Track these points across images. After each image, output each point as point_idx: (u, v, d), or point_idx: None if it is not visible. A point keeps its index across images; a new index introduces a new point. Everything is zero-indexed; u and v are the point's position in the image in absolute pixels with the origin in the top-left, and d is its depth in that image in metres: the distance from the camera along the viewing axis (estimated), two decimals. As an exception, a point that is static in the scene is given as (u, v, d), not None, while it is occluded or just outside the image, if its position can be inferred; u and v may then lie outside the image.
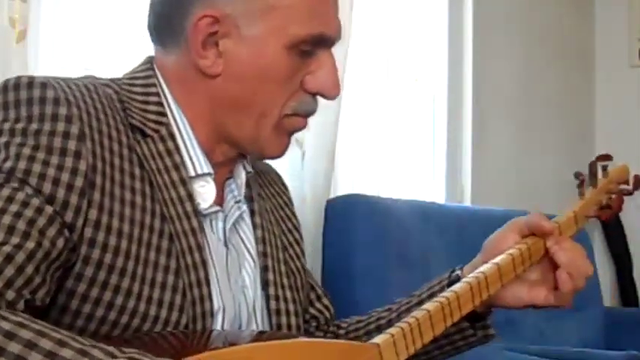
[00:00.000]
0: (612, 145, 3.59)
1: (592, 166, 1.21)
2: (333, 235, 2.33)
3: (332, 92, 1.08)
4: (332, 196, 2.41)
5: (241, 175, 1.13)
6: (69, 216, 0.91)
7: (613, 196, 1.23)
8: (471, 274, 1.08)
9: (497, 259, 1.10)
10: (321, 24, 1.05)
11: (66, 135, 0.94)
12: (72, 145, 0.93)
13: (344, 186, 2.54)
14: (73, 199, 0.92)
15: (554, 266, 1.13)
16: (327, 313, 1.28)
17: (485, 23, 3.14)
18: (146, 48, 1.16)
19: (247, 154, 1.12)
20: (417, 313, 0.98)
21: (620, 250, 3.56)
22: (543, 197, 3.30)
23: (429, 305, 1.00)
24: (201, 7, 1.02)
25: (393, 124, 2.82)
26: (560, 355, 2.22)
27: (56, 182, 0.91)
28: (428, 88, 2.99)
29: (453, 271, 1.20)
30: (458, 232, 2.59)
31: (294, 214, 1.27)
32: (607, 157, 1.25)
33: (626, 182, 1.25)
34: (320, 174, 2.33)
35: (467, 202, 3.06)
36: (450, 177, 3.04)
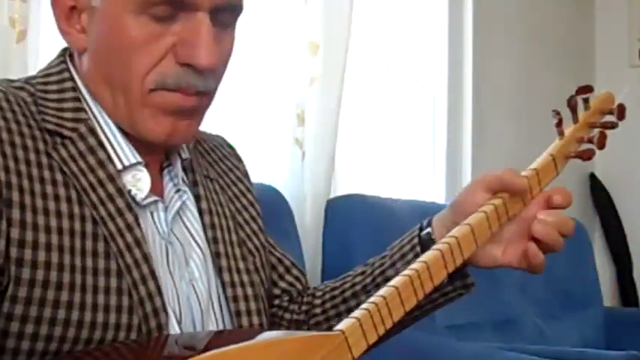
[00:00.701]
0: (612, 145, 3.59)
1: (571, 100, 1.07)
2: (333, 235, 2.33)
3: (199, 60, 0.95)
4: (332, 196, 2.41)
5: (177, 163, 1.07)
6: None
7: (596, 131, 1.09)
8: (442, 240, 0.99)
9: (470, 219, 1.00)
10: None
11: None
12: None
13: (344, 186, 2.54)
14: None
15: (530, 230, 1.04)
16: (298, 285, 1.22)
17: (485, 23, 3.14)
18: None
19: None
20: (385, 290, 0.90)
21: (620, 250, 3.56)
22: (543, 197, 3.30)
23: (396, 281, 0.92)
24: None
25: (393, 124, 2.82)
26: (560, 355, 2.21)
27: None
28: (428, 88, 2.99)
29: (422, 228, 1.13)
30: (458, 232, 2.58)
31: (248, 188, 1.20)
32: (588, 89, 1.07)
33: (611, 112, 1.09)
34: (320, 174, 2.33)
35: (467, 202, 3.06)
36: (450, 177, 3.03)
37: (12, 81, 1.02)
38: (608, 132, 1.10)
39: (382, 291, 0.91)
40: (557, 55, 3.52)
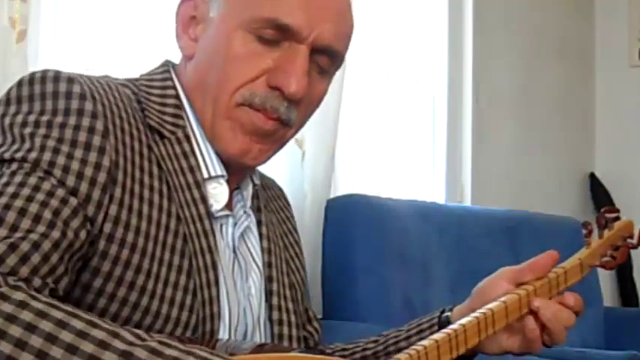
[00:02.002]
0: (612, 145, 3.60)
1: (599, 219, 1.23)
2: (333, 235, 2.33)
3: (289, 88, 1.02)
4: (332, 196, 2.41)
5: (248, 187, 1.14)
6: (90, 210, 0.92)
7: (618, 247, 1.26)
8: (478, 310, 1.05)
9: (505, 297, 1.08)
10: (284, 11, 1.01)
11: (91, 130, 0.94)
12: (96, 140, 0.94)
13: (344, 186, 2.54)
14: (96, 194, 0.92)
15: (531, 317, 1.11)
16: (315, 336, 1.28)
17: (485, 23, 3.15)
18: (146, 48, 1.17)
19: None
20: (425, 341, 0.96)
21: (620, 250, 3.55)
22: (543, 197, 3.30)
23: (437, 335, 0.97)
24: None
25: (393, 124, 2.82)
26: (560, 355, 2.21)
27: (80, 176, 0.92)
28: (428, 88, 2.99)
29: (442, 312, 1.19)
30: (458, 232, 2.58)
31: (295, 228, 1.28)
32: (613, 211, 1.27)
33: (631, 236, 1.28)
34: (320, 174, 2.33)
35: (467, 202, 3.06)
36: (450, 177, 3.04)
37: (115, 78, 1.07)
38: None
39: (424, 341, 0.95)
40: (557, 55, 3.52)
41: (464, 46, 3.09)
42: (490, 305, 1.06)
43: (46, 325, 0.75)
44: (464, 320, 1.03)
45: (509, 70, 3.30)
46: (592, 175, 3.63)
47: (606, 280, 3.49)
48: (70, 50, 1.96)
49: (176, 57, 1.14)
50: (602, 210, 1.24)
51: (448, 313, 1.17)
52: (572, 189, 3.56)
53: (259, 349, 1.03)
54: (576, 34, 3.66)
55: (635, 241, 1.27)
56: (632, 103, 3.62)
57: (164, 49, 2.06)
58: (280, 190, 1.32)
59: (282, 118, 1.04)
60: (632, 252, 3.94)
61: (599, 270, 3.55)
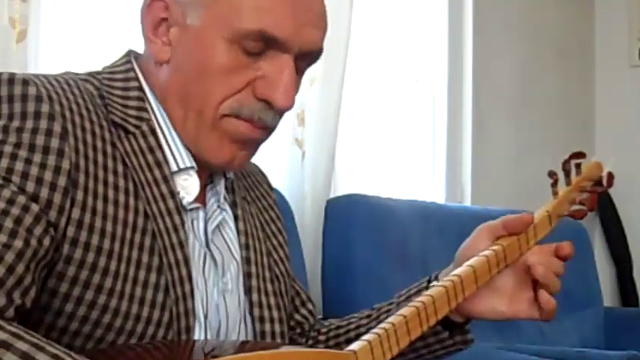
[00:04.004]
0: (612, 145, 3.59)
1: (565, 165, 1.17)
2: (333, 235, 2.33)
3: (278, 101, 1.00)
4: (332, 196, 2.41)
5: (220, 182, 1.11)
6: (52, 215, 0.90)
7: (587, 194, 1.20)
8: (446, 277, 1.05)
9: (472, 261, 1.07)
10: (270, 23, 0.98)
11: (49, 133, 0.92)
12: (54, 142, 0.92)
13: (344, 186, 2.54)
14: (57, 199, 0.90)
15: (531, 277, 1.11)
16: (311, 319, 1.26)
17: (485, 23, 3.15)
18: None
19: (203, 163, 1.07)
20: (393, 318, 0.95)
21: (620, 250, 3.56)
22: (543, 197, 3.29)
23: (404, 310, 0.97)
24: None
25: (393, 124, 2.82)
26: (560, 355, 2.22)
27: (39, 181, 0.90)
28: (428, 88, 2.99)
29: (430, 280, 1.19)
30: (458, 232, 2.56)
31: (278, 216, 1.24)
32: (581, 155, 1.19)
33: (600, 179, 1.21)
34: (320, 174, 2.33)
35: (467, 202, 3.06)
36: (450, 177, 3.04)
37: (76, 73, 1.05)
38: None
39: (391, 318, 0.95)
40: (557, 55, 3.52)
41: (464, 46, 3.09)
42: (458, 271, 1.05)
43: (10, 358, 0.74)
44: (432, 290, 1.01)
45: (509, 70, 3.30)
46: (592, 175, 3.63)
47: (606, 280, 3.49)
48: (70, 50, 1.96)
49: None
50: (568, 155, 1.18)
51: (435, 282, 1.14)
52: (572, 189, 3.55)
53: (242, 347, 1.01)
54: (576, 34, 3.66)
55: (605, 183, 1.20)
56: (632, 103, 3.62)
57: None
58: (263, 175, 1.28)
59: (269, 127, 1.04)
60: (632, 252, 3.92)
61: (599, 270, 3.55)
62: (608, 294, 3.47)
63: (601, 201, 3.59)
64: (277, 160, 2.33)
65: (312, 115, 2.30)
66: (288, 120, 2.31)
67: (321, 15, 1.04)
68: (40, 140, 0.91)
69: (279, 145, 2.32)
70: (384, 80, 2.79)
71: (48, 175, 0.90)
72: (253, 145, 1.06)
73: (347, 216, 2.34)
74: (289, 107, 1.02)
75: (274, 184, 2.22)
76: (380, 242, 2.34)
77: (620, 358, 2.15)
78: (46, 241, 0.89)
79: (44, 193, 0.90)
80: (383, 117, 2.77)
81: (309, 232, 2.31)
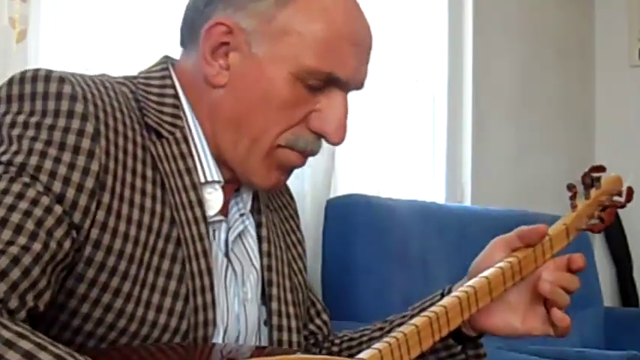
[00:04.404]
0: (612, 145, 3.60)
1: (585, 178, 1.16)
2: (333, 235, 2.33)
3: (333, 137, 1.04)
4: (332, 196, 2.41)
5: (249, 190, 1.11)
6: (77, 217, 0.90)
7: (605, 208, 1.18)
8: (460, 289, 1.03)
9: (486, 273, 1.05)
10: (334, 63, 1.01)
11: (80, 133, 0.92)
12: (85, 143, 0.92)
13: (344, 186, 2.54)
14: (82, 200, 0.90)
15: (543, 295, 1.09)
16: (325, 330, 1.26)
17: (485, 23, 3.15)
18: (146, 48, 1.16)
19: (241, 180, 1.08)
20: (405, 327, 0.94)
21: (620, 250, 3.56)
22: (543, 197, 3.30)
23: (417, 320, 0.95)
24: (219, 15, 1.01)
25: (393, 124, 2.82)
26: (560, 355, 2.22)
27: (66, 181, 0.90)
28: (428, 88, 2.99)
29: (443, 292, 1.18)
30: (458, 232, 2.58)
31: (298, 227, 1.25)
32: (600, 169, 1.18)
33: (619, 194, 1.19)
34: (320, 174, 2.33)
35: (467, 202, 3.06)
36: (450, 177, 3.04)
37: (112, 76, 1.05)
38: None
39: (402, 327, 0.94)
40: (557, 55, 3.52)
41: (464, 46, 3.09)
42: (472, 282, 1.03)
43: (12, 356, 0.74)
44: (445, 300, 1.00)
45: (509, 70, 3.30)
46: (592, 175, 3.63)
47: (606, 280, 3.49)
48: (70, 50, 1.96)
49: (174, 52, 1.12)
50: (588, 168, 1.16)
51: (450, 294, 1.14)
52: (572, 189, 3.55)
53: (260, 352, 1.01)
54: (576, 34, 3.66)
55: (623, 198, 1.18)
56: (632, 103, 3.62)
57: (164, 48, 2.06)
58: (285, 185, 1.26)
59: (314, 155, 1.07)
60: (632, 252, 3.92)
61: (599, 270, 3.55)
62: (608, 294, 3.47)
63: (601, 201, 3.60)
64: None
65: (311, 155, 2.30)
66: (288, 120, 2.31)
67: (370, 48, 1.08)
68: (71, 140, 0.91)
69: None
70: (384, 80, 2.78)
71: (76, 176, 0.90)
72: (293, 170, 1.08)
73: (347, 216, 2.34)
74: (342, 142, 1.05)
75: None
76: (380, 242, 2.34)
77: (620, 358, 2.15)
78: (67, 244, 0.88)
79: (70, 193, 0.90)
80: (383, 117, 2.77)
81: (309, 231, 2.30)
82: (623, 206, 1.19)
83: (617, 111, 3.64)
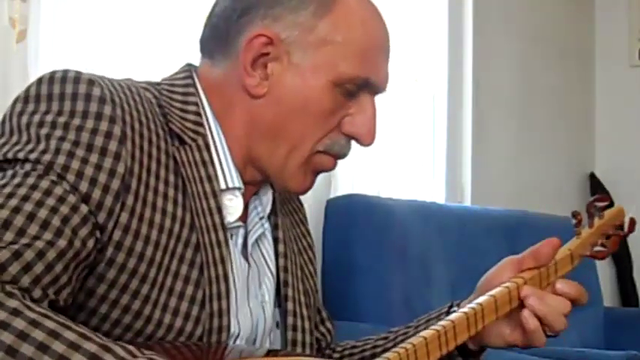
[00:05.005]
0: (612, 145, 3.60)
1: (589, 207, 1.20)
2: (333, 235, 2.33)
3: (366, 139, 1.08)
4: (332, 196, 2.41)
5: (268, 193, 1.13)
6: (101, 217, 0.91)
7: (609, 237, 1.22)
8: (468, 305, 1.06)
9: (494, 292, 1.08)
10: (370, 69, 1.05)
11: (108, 135, 0.93)
12: (113, 145, 0.93)
13: (344, 186, 2.54)
14: (108, 201, 0.92)
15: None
16: (328, 337, 1.27)
17: (485, 23, 3.15)
18: (145, 47, 1.16)
19: (270, 182, 1.12)
20: (414, 339, 0.97)
21: (620, 250, 3.56)
22: (543, 197, 3.30)
23: (425, 332, 0.98)
24: (258, 27, 1.03)
25: (393, 124, 2.82)
26: (560, 355, 2.22)
27: (93, 182, 0.91)
28: (428, 88, 2.99)
29: (451, 306, 1.19)
30: (458, 232, 2.58)
31: (308, 231, 1.26)
32: (604, 199, 1.22)
33: (621, 225, 1.24)
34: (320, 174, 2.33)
35: (467, 202, 3.06)
36: (450, 177, 3.04)
37: (136, 81, 1.06)
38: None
39: (412, 339, 0.96)
40: (557, 55, 3.52)
41: (464, 46, 3.09)
42: (479, 299, 1.07)
43: (38, 334, 0.75)
44: (453, 316, 1.03)
45: (509, 70, 3.30)
46: (592, 175, 3.63)
47: (606, 280, 3.49)
48: (70, 50, 1.96)
49: (193, 59, 1.13)
50: (592, 198, 1.21)
51: (455, 308, 1.16)
52: (572, 189, 3.56)
53: (273, 354, 1.03)
54: (576, 34, 3.66)
55: (626, 229, 1.24)
56: (632, 103, 3.62)
57: (163, 48, 2.06)
58: None
59: (344, 157, 1.10)
60: (632, 251, 3.93)
61: (599, 270, 3.56)
62: (608, 294, 3.47)
63: (601, 201, 3.60)
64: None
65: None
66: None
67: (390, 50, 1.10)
68: (98, 141, 0.93)
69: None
70: (384, 80, 2.78)
71: (102, 177, 0.92)
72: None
73: (347, 216, 2.34)
74: (373, 143, 1.09)
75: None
76: (380, 242, 2.34)
77: (620, 358, 2.15)
78: (90, 243, 0.90)
79: (96, 194, 0.91)
80: (383, 117, 2.76)
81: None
82: (626, 236, 1.23)
83: (617, 111, 3.64)
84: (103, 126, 0.93)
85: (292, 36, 1.02)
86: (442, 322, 1.01)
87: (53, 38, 1.92)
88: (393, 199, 2.52)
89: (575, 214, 1.17)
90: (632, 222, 1.24)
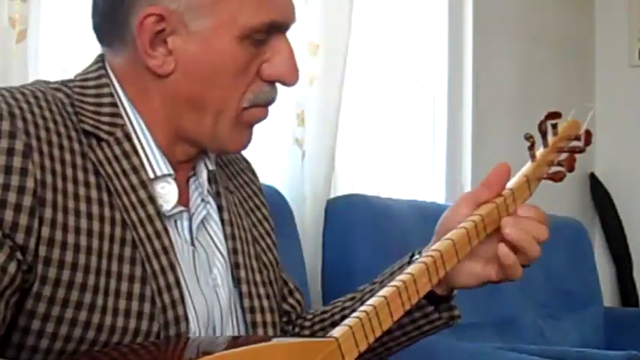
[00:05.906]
0: (612, 145, 3.60)
1: (541, 126, 1.14)
2: (333, 235, 2.33)
3: (291, 78, 1.04)
4: (332, 196, 2.41)
5: (202, 174, 1.09)
6: (19, 238, 0.87)
7: (565, 154, 1.16)
8: (425, 253, 1.02)
9: (451, 234, 1.04)
10: (272, 10, 1.00)
11: (10, 152, 0.89)
12: (17, 162, 0.89)
13: (344, 186, 2.54)
14: (23, 220, 0.88)
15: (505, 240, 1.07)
16: (298, 309, 1.24)
17: (485, 23, 3.15)
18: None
19: (209, 151, 1.09)
20: (374, 300, 0.93)
21: (620, 250, 3.56)
22: (543, 197, 3.29)
23: (385, 291, 0.94)
24: (144, 5, 0.98)
25: (393, 124, 2.82)
26: (560, 355, 2.22)
27: (3, 204, 0.87)
28: (428, 88, 2.99)
29: (413, 255, 1.16)
30: (458, 232, 2.58)
31: (264, 203, 1.22)
32: (556, 115, 1.16)
33: (577, 138, 1.17)
34: (320, 174, 2.33)
35: (467, 202, 3.06)
36: (450, 177, 3.03)
37: (48, 82, 1.03)
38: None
39: (372, 300, 0.93)
40: (557, 55, 3.52)
41: (464, 46, 3.09)
42: (437, 245, 1.02)
43: None
44: (412, 268, 0.99)
45: (509, 70, 3.30)
46: (592, 175, 3.63)
47: (606, 280, 3.49)
48: (70, 50, 1.96)
49: None
50: (545, 116, 1.15)
51: (417, 256, 1.13)
52: (572, 189, 3.56)
53: (234, 342, 0.99)
54: (576, 34, 3.66)
55: (582, 142, 1.17)
56: (632, 103, 3.62)
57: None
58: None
59: (273, 103, 1.06)
60: (632, 252, 3.91)
61: (599, 270, 3.54)
62: (608, 294, 3.47)
63: (601, 201, 3.60)
64: (277, 160, 2.33)
65: (312, 115, 2.30)
66: (288, 120, 2.31)
67: None
68: (1, 160, 0.88)
69: (279, 145, 2.32)
70: (384, 80, 2.79)
71: (12, 197, 0.88)
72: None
73: (347, 216, 2.34)
74: (297, 81, 1.05)
75: (274, 184, 2.23)
76: (380, 242, 2.34)
77: (620, 358, 2.15)
78: (12, 268, 0.86)
79: (9, 215, 0.87)
80: (383, 117, 2.77)
81: (309, 232, 2.31)
82: (582, 151, 1.17)
83: (617, 111, 3.64)
84: (3, 143, 0.89)
85: (182, 4, 0.98)
86: (402, 277, 0.97)
87: (53, 38, 1.92)
88: (392, 199, 2.52)
89: (527, 137, 1.12)
90: (588, 134, 1.18)
